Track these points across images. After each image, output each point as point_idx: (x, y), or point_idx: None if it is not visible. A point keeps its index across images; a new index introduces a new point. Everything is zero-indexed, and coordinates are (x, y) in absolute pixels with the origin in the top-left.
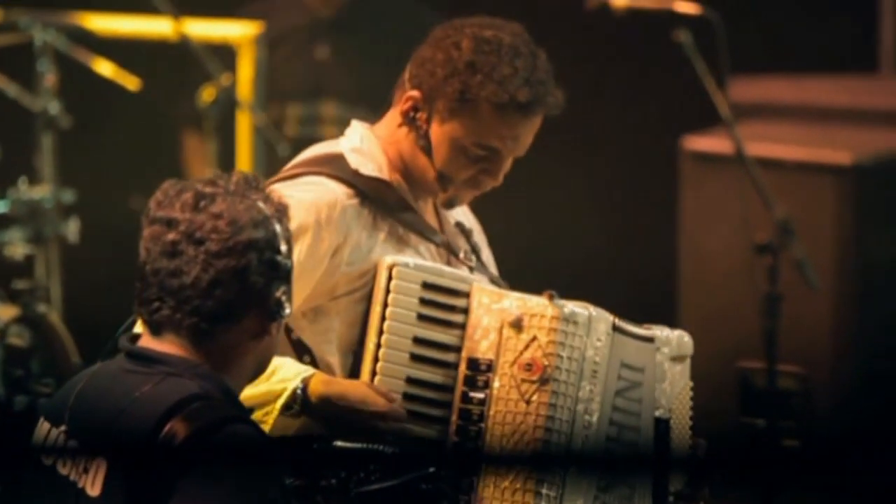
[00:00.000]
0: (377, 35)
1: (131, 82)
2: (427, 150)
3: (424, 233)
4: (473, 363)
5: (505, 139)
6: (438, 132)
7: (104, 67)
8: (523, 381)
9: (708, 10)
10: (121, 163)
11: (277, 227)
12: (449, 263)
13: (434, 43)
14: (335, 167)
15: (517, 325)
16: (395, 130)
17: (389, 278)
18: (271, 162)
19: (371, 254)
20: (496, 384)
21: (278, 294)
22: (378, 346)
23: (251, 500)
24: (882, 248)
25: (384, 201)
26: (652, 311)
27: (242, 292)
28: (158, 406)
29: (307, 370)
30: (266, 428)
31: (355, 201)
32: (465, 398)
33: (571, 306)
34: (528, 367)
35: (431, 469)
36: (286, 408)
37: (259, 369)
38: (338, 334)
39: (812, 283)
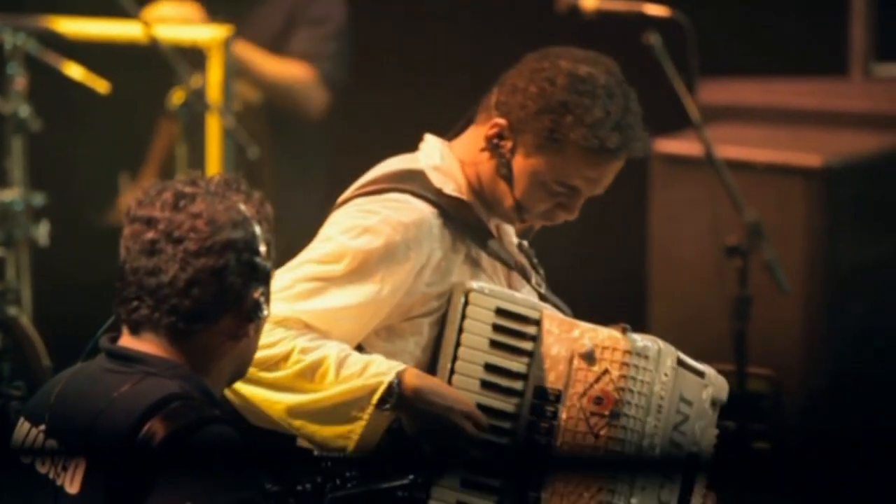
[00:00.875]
0: None
1: (101, 85)
2: (508, 178)
3: (501, 256)
4: (542, 392)
5: (588, 180)
6: (522, 164)
7: (74, 71)
8: (592, 414)
9: (677, 12)
10: (91, 166)
11: (257, 229)
12: (515, 288)
13: (528, 74)
14: (419, 185)
15: (589, 357)
16: (476, 153)
17: (466, 303)
18: (241, 165)
19: (450, 275)
20: (564, 415)
21: (256, 295)
22: (451, 371)
23: (229, 500)
24: (852, 250)
25: (465, 222)
26: (622, 314)
27: (220, 292)
28: (138, 406)
29: (399, 364)
30: (361, 424)
31: (439, 221)
32: (532, 428)
33: (641, 339)
34: (599, 400)
35: (407, 478)
36: (382, 402)
37: (238, 372)
38: (411, 356)
39: (782, 285)
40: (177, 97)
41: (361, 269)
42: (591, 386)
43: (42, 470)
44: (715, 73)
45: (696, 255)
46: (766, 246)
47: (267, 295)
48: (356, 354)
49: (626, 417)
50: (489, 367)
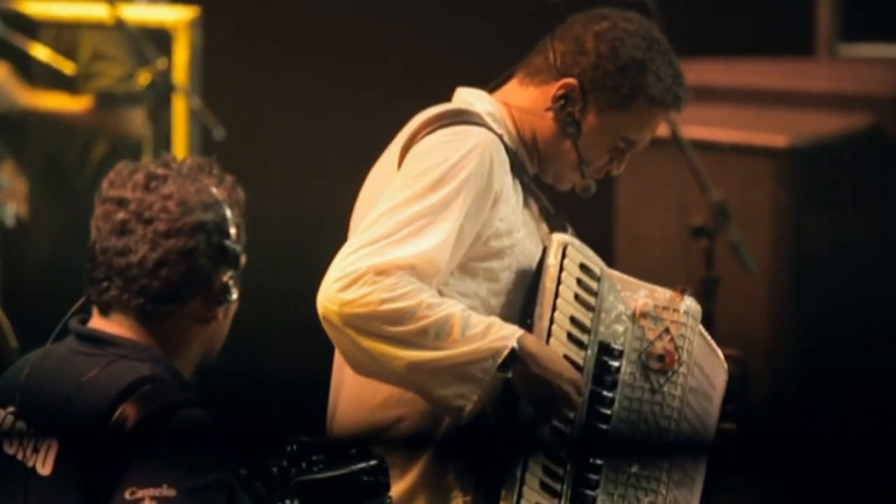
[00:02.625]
0: None
1: (68, 67)
2: (575, 136)
3: (548, 207)
4: (606, 348)
5: (647, 134)
6: (591, 122)
7: (41, 52)
8: (654, 371)
9: None
10: (59, 147)
11: (228, 212)
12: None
13: (592, 35)
14: (484, 122)
15: (651, 316)
16: (536, 110)
17: (563, 256)
18: (207, 146)
19: (513, 215)
20: (626, 370)
21: (225, 279)
22: (551, 321)
23: (204, 483)
24: (818, 231)
25: (516, 165)
26: None
27: (188, 273)
28: (110, 389)
29: (518, 329)
30: (481, 386)
31: (504, 156)
32: (597, 381)
33: (694, 301)
34: (661, 358)
35: (373, 461)
36: (504, 365)
37: (207, 355)
38: (483, 301)
39: (748, 265)
40: (143, 78)
41: (456, 197)
42: (652, 343)
43: (10, 451)
44: (680, 53)
45: (662, 235)
46: (731, 226)
47: (236, 278)
48: (476, 315)
49: (682, 375)
50: (574, 321)
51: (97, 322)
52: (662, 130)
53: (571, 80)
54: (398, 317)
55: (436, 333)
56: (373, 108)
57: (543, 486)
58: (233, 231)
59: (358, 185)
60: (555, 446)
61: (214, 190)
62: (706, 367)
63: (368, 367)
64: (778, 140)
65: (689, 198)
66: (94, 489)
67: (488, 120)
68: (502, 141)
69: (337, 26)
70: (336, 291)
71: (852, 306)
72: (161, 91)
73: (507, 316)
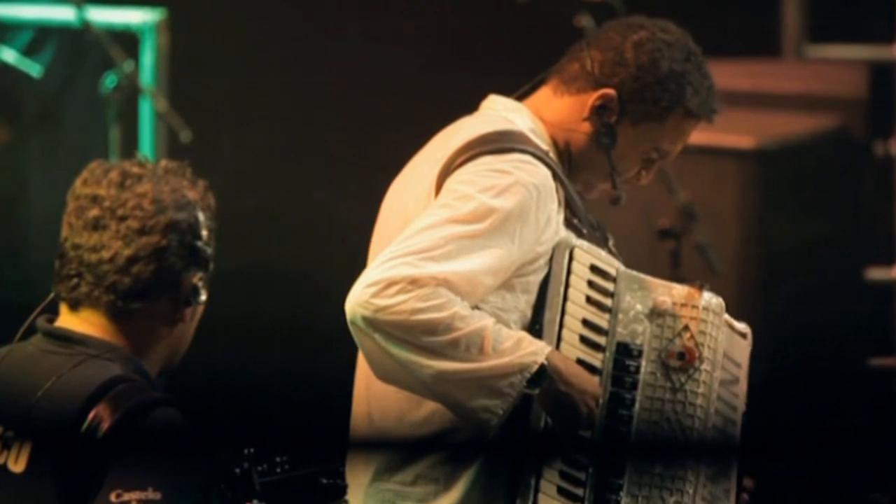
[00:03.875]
0: None
1: (34, 69)
2: (609, 147)
3: (588, 219)
4: (624, 348)
5: (680, 143)
6: (627, 132)
7: (7, 54)
8: (674, 369)
9: None
10: (23, 148)
11: (200, 215)
12: None
13: (630, 45)
14: (533, 146)
15: (669, 314)
16: (574, 120)
17: (571, 259)
18: (173, 148)
19: (557, 236)
20: (646, 370)
21: (195, 280)
22: (561, 325)
23: (186, 484)
24: (784, 232)
25: (564, 185)
26: None
27: (159, 272)
28: (82, 389)
29: (546, 345)
30: (508, 400)
31: (555, 184)
32: (617, 382)
33: (713, 295)
34: (681, 356)
35: (334, 464)
36: (532, 381)
37: (172, 358)
38: (521, 314)
39: (714, 266)
40: (109, 81)
41: (501, 229)
42: (672, 342)
43: None
44: None
45: (628, 237)
46: (698, 228)
47: (206, 280)
48: (507, 329)
49: (704, 373)
50: (586, 323)
51: (66, 320)
52: None
53: (610, 91)
54: (430, 327)
55: (466, 346)
56: (340, 110)
57: (562, 491)
58: (204, 233)
59: (324, 185)
60: (576, 450)
61: (188, 192)
62: (734, 354)
63: (394, 374)
64: (745, 141)
65: (656, 199)
66: (69, 488)
67: (532, 137)
68: (548, 159)
69: (303, 29)
70: (370, 297)
71: (818, 305)
72: (128, 93)
73: None
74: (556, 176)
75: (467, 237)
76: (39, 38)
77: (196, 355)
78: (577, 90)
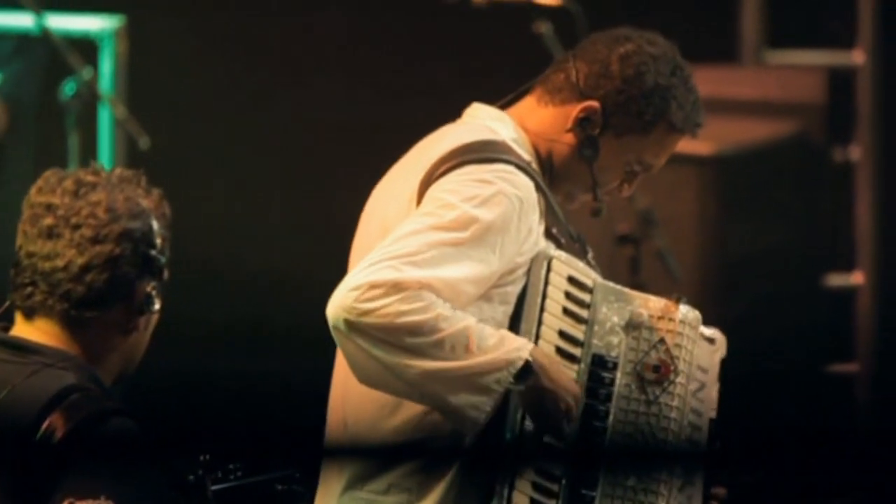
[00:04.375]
0: None
1: None
2: (592, 158)
3: (570, 230)
4: (600, 360)
5: (663, 157)
6: (610, 145)
7: None
8: (649, 382)
9: (568, 0)
10: None
11: (155, 224)
12: None
13: (617, 57)
14: (516, 156)
15: (646, 326)
16: (557, 131)
17: (548, 270)
18: (133, 155)
19: (537, 247)
20: (621, 382)
21: (148, 289)
22: (537, 336)
23: (135, 491)
24: (744, 238)
25: (545, 196)
26: None
27: (112, 280)
28: (37, 398)
29: (529, 342)
30: (495, 396)
31: (537, 195)
32: (591, 394)
33: (689, 309)
34: (657, 368)
35: (288, 470)
36: (518, 377)
37: (127, 367)
38: (498, 324)
39: (674, 273)
40: (68, 88)
41: (483, 239)
42: (648, 354)
43: None
44: None
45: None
46: (657, 234)
47: (159, 289)
48: (489, 327)
49: (679, 385)
50: (563, 335)
51: (21, 329)
52: None
53: (594, 103)
54: (415, 329)
55: (452, 345)
56: (298, 117)
57: (535, 502)
58: (158, 242)
59: (280, 193)
60: (550, 461)
61: (142, 200)
62: (702, 362)
63: (377, 377)
64: (704, 148)
65: (615, 205)
66: (23, 497)
67: (515, 147)
68: (530, 169)
69: (262, 35)
70: (353, 301)
71: (776, 311)
72: (86, 100)
73: None
74: (537, 186)
75: (450, 244)
76: None
77: (153, 359)
78: (561, 101)
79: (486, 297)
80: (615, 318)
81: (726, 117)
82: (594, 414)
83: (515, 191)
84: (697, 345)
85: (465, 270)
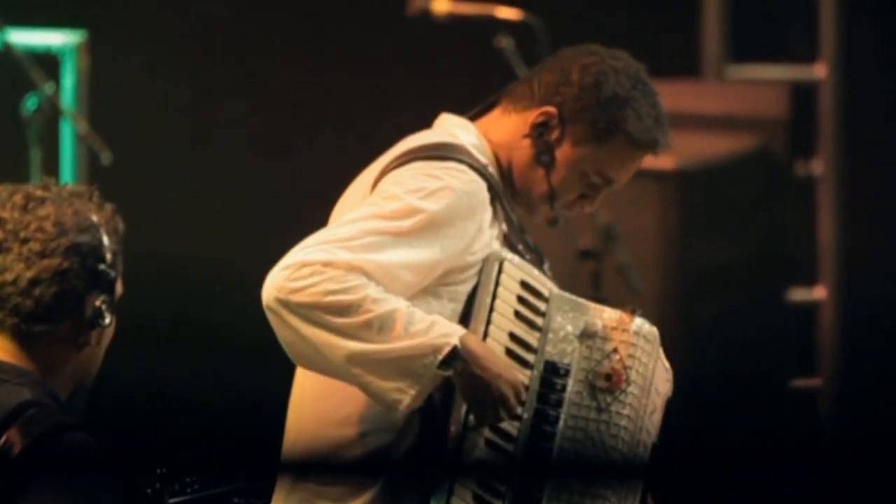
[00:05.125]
0: None
1: None
2: (548, 166)
3: (525, 238)
4: (552, 367)
5: (625, 173)
6: (566, 153)
7: None
8: (601, 389)
9: (529, 15)
10: None
11: (105, 238)
12: None
13: (579, 67)
14: (471, 158)
15: (600, 336)
16: (515, 138)
17: (500, 271)
18: (95, 170)
19: (487, 248)
20: (573, 389)
21: (98, 303)
22: (485, 334)
23: None
24: (704, 252)
25: (501, 202)
26: None
27: (61, 294)
28: None
29: (460, 328)
30: (421, 381)
31: (489, 195)
32: (542, 399)
33: (646, 322)
34: (608, 377)
35: (245, 483)
36: (445, 363)
37: (81, 381)
38: (448, 320)
39: (635, 287)
40: (30, 103)
41: (425, 230)
42: (600, 363)
43: None
44: None
45: (549, 257)
46: (619, 248)
47: (109, 303)
48: (420, 312)
49: (632, 396)
50: (513, 337)
51: None
52: None
53: (551, 109)
54: (343, 308)
55: (379, 327)
56: (264, 134)
57: (477, 498)
58: (108, 256)
59: (245, 208)
60: (496, 468)
61: (93, 215)
62: (658, 384)
63: (310, 357)
64: (665, 162)
65: (577, 220)
66: None
67: (473, 152)
68: (486, 172)
69: (226, 51)
70: (283, 279)
71: (737, 326)
72: (48, 115)
73: None
74: (493, 190)
75: (388, 233)
76: None
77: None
78: (522, 108)
79: (434, 293)
80: (569, 328)
81: (688, 132)
82: (544, 418)
83: (463, 187)
84: (658, 363)
85: (400, 256)
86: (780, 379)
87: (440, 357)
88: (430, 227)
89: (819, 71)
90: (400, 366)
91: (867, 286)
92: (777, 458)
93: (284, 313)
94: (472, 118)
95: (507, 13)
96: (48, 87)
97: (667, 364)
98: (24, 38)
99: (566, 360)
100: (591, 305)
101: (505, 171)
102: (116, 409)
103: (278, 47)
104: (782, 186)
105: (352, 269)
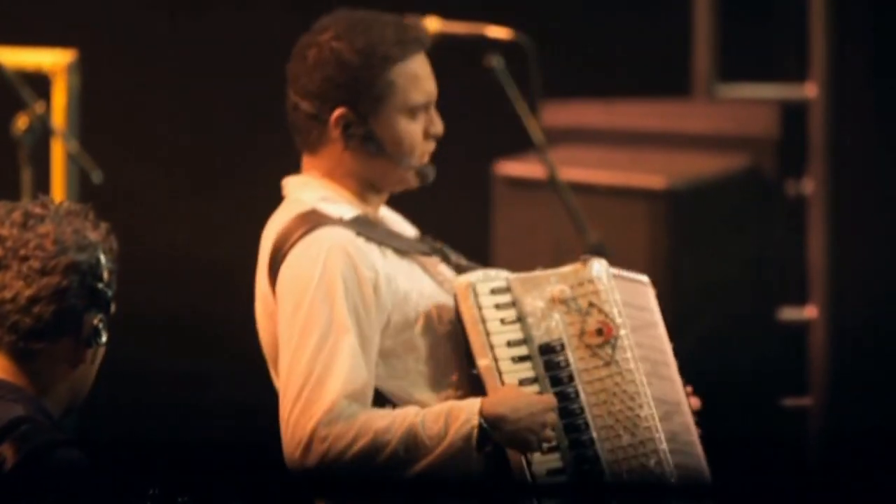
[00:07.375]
0: None
1: None
2: (382, 148)
3: (419, 248)
4: (547, 347)
5: (425, 83)
6: (380, 124)
7: None
8: (598, 346)
9: (519, 34)
10: None
11: (102, 257)
12: (431, 272)
13: (314, 62)
14: (324, 219)
15: (570, 299)
16: (341, 159)
17: (476, 295)
18: (85, 190)
19: (397, 281)
20: (575, 358)
21: (95, 321)
22: (495, 360)
23: None
24: (695, 272)
25: (374, 232)
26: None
27: (59, 312)
28: None
29: (475, 401)
30: (468, 464)
31: (360, 239)
32: (555, 382)
33: (598, 264)
34: (599, 332)
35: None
36: (480, 446)
37: (74, 399)
38: (418, 373)
39: None
40: (21, 122)
41: (338, 312)
42: (585, 322)
43: None
44: (557, 95)
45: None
46: None
47: (106, 322)
48: (430, 410)
49: (626, 337)
50: (511, 344)
51: None
52: (539, 173)
53: (339, 110)
54: (365, 456)
55: (405, 449)
56: (254, 154)
57: None
58: (106, 275)
59: (236, 230)
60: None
61: (90, 233)
62: (637, 301)
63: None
64: (655, 182)
65: (566, 240)
66: None
67: (322, 207)
68: (346, 219)
69: (217, 69)
70: (303, 462)
71: (727, 346)
72: (39, 135)
73: (452, 367)
74: (360, 226)
75: (323, 339)
76: None
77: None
78: (318, 135)
79: (389, 354)
80: (540, 304)
81: (678, 151)
82: (566, 398)
83: (333, 249)
84: (626, 287)
85: (349, 350)
86: (770, 399)
87: (473, 443)
88: (337, 300)
89: (809, 90)
90: (447, 464)
91: (858, 305)
92: (767, 479)
93: (335, 467)
94: (307, 166)
95: (497, 32)
96: (39, 107)
97: (633, 275)
98: (15, 57)
99: (556, 336)
100: (547, 274)
101: (363, 189)
102: (110, 427)
103: (270, 66)
104: (772, 206)
105: (335, 407)
